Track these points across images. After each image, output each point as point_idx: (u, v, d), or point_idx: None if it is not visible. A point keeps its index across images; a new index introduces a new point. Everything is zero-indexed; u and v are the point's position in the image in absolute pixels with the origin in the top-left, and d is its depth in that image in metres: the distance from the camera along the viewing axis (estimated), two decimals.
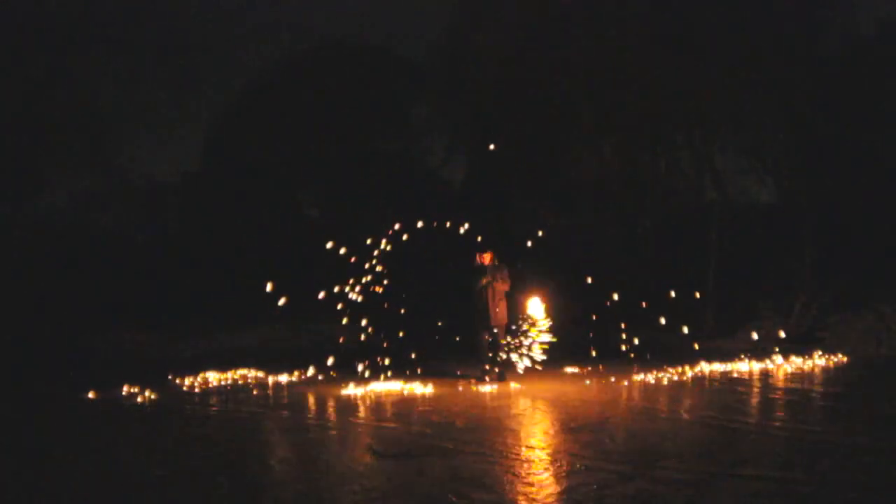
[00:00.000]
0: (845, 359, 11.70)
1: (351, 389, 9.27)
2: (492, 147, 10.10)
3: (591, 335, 10.94)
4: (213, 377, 10.76)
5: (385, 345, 10.57)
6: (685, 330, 11.05)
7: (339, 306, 9.68)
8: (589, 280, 10.61)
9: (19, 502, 4.80)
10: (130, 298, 18.41)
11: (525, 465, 5.44)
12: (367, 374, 9.97)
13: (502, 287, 9.68)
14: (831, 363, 11.40)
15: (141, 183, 21.30)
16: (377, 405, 8.36)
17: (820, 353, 11.98)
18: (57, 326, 15.48)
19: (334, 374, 10.31)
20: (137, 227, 21.24)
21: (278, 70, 20.96)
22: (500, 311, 9.67)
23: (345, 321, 9.87)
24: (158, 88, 17.44)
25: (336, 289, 9.54)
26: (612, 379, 9.84)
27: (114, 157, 16.95)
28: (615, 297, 10.22)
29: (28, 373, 12.22)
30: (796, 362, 11.38)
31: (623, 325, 10.71)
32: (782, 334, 13.61)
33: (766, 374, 10.28)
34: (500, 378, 9.72)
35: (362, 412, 7.92)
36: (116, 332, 16.01)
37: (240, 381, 10.54)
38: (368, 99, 19.92)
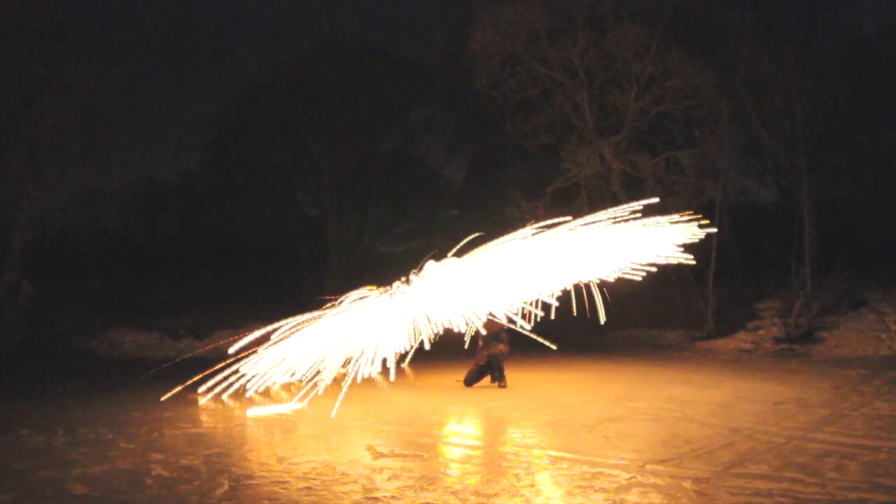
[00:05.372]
0: None
1: None
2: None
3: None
4: None
5: None
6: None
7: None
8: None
9: None
10: (130, 298, 18.44)
11: None
12: None
13: (503, 349, 9.53)
14: None
15: (141, 183, 21.31)
16: None
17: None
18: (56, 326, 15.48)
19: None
20: (137, 226, 21.24)
21: (278, 70, 20.96)
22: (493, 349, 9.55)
23: None
24: (158, 88, 17.39)
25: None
26: None
27: (114, 157, 16.92)
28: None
29: None
30: None
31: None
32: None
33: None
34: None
35: None
36: (116, 333, 15.99)
37: None
38: (368, 99, 19.90)
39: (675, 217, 8.14)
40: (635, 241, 8.15)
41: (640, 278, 8.41)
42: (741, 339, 14.08)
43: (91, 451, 6.06)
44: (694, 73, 15.23)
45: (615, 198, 14.68)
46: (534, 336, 8.66)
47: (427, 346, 7.76)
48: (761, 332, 14.23)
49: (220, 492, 4.89)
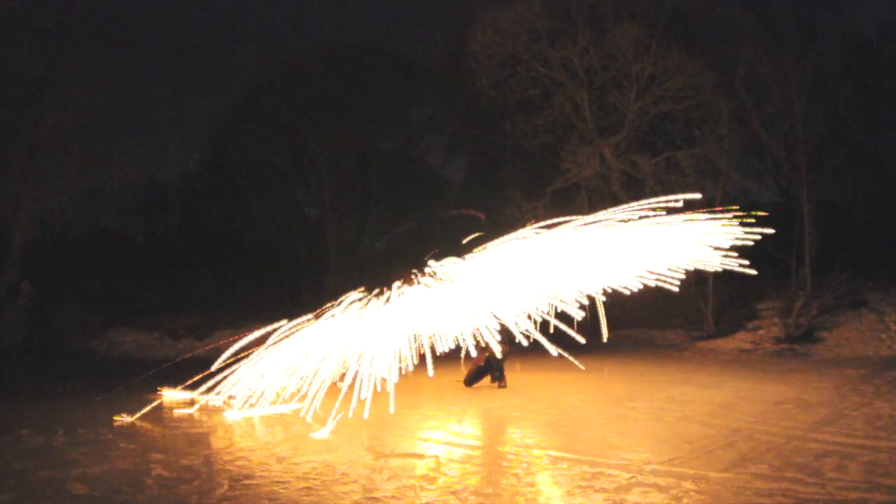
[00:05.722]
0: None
1: None
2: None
3: None
4: None
5: None
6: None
7: None
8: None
9: None
10: (130, 298, 18.44)
11: None
12: None
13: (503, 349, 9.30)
14: None
15: (141, 183, 21.30)
16: None
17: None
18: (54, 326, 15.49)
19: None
20: (137, 226, 21.24)
21: (278, 70, 20.96)
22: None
23: None
24: (158, 88, 17.39)
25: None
26: None
27: (114, 157, 16.92)
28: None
29: None
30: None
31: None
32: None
33: None
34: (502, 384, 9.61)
35: None
36: (116, 333, 15.99)
37: None
38: (368, 99, 19.90)
39: (711, 215, 7.20)
40: (662, 244, 7.22)
41: (676, 289, 7.35)
42: (741, 339, 14.08)
43: (91, 451, 6.06)
44: (694, 73, 15.24)
45: (615, 198, 14.68)
46: (564, 354, 7.66)
47: (431, 373, 7.04)
48: (761, 332, 14.23)
49: (220, 492, 4.89)
